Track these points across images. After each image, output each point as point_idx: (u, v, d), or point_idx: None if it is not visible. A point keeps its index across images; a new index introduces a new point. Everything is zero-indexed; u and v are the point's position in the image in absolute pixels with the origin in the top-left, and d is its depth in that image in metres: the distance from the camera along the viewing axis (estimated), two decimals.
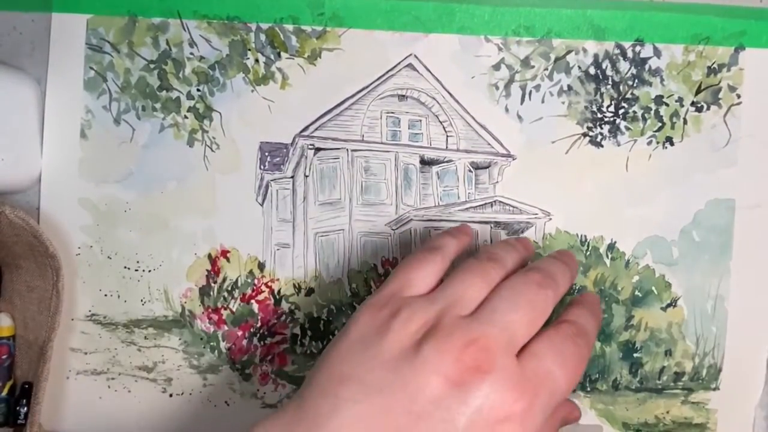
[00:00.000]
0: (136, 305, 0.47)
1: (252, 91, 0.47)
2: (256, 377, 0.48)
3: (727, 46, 0.48)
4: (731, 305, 0.48)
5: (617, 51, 0.48)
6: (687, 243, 0.48)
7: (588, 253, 0.48)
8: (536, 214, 0.48)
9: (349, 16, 0.47)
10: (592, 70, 0.48)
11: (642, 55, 0.48)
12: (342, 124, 0.48)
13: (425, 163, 0.49)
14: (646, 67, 0.48)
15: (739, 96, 0.48)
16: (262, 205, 0.48)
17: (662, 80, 0.48)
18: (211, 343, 0.48)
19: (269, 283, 0.48)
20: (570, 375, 0.33)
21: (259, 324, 0.48)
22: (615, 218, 0.48)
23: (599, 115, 0.48)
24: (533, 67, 0.48)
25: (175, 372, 0.48)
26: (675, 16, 0.48)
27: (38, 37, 0.47)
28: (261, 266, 0.48)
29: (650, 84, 0.48)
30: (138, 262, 0.47)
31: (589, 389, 0.48)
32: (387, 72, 0.48)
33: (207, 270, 0.48)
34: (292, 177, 0.48)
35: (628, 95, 0.48)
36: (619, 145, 0.48)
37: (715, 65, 0.48)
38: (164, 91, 0.47)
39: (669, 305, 0.48)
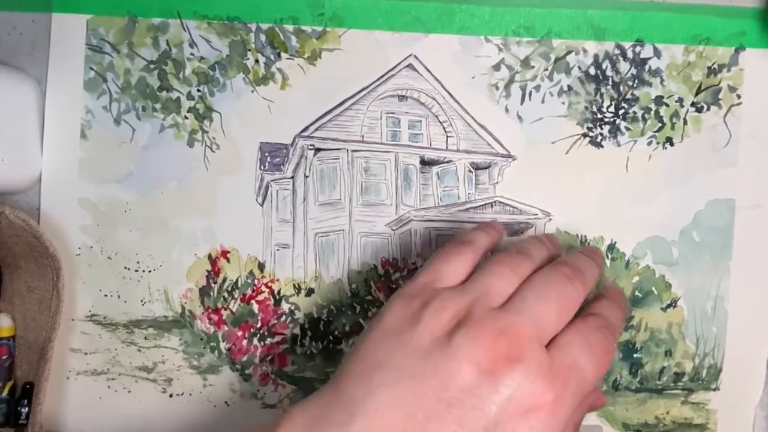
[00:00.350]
0: (136, 305, 0.47)
1: (252, 91, 0.47)
2: (256, 377, 0.48)
3: (727, 46, 0.48)
4: (731, 305, 0.48)
5: (617, 51, 0.48)
6: (687, 243, 0.48)
7: None
8: (536, 214, 0.48)
9: (349, 17, 0.47)
10: (592, 71, 0.48)
11: (642, 56, 0.48)
12: (342, 125, 0.48)
13: (425, 163, 0.49)
14: (646, 67, 0.48)
15: (739, 96, 0.48)
16: (262, 205, 0.48)
17: (662, 81, 0.48)
18: (211, 344, 0.48)
19: (269, 284, 0.48)
20: (597, 366, 0.34)
21: (259, 324, 0.48)
22: (615, 218, 0.48)
23: (599, 116, 0.48)
24: (533, 67, 0.48)
25: (175, 372, 0.48)
26: (675, 17, 0.48)
27: (38, 37, 0.47)
28: (261, 266, 0.48)
29: (650, 84, 0.48)
30: (138, 262, 0.47)
31: None
32: (387, 72, 0.48)
33: (207, 270, 0.48)
34: (292, 177, 0.48)
35: (628, 95, 0.48)
36: (619, 145, 0.48)
37: (715, 65, 0.48)
38: (164, 92, 0.47)
39: (669, 305, 0.48)
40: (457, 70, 0.48)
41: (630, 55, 0.48)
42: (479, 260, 0.38)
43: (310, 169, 0.48)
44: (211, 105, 0.47)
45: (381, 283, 0.48)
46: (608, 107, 0.48)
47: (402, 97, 0.48)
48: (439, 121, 0.48)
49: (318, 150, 0.48)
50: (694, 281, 0.48)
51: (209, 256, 0.48)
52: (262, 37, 0.47)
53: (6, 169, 0.44)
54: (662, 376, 0.48)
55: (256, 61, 0.47)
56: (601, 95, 0.48)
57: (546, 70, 0.48)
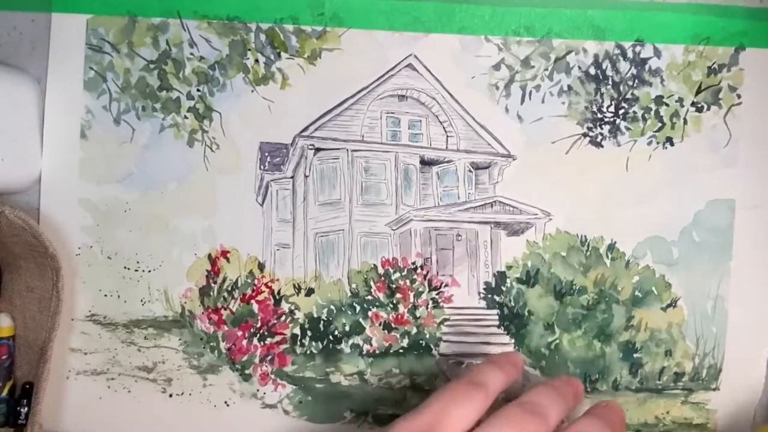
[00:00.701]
0: (136, 305, 0.47)
1: (252, 91, 0.47)
2: (256, 377, 0.48)
3: (728, 46, 0.48)
4: (731, 305, 0.48)
5: (617, 51, 0.48)
6: (687, 243, 0.48)
7: (588, 253, 0.48)
8: (536, 214, 0.48)
9: (349, 16, 0.47)
10: (592, 71, 0.48)
11: (642, 56, 0.48)
12: (342, 125, 0.48)
13: (425, 163, 0.49)
14: (647, 67, 0.48)
15: (739, 96, 0.48)
16: (262, 205, 0.48)
17: (662, 80, 0.48)
18: (211, 344, 0.48)
19: (269, 283, 0.48)
20: None
21: (259, 324, 0.48)
22: (615, 218, 0.48)
23: (599, 116, 0.48)
24: (533, 67, 0.48)
25: (175, 372, 0.48)
26: (675, 16, 0.48)
27: (38, 37, 0.47)
28: (261, 266, 0.48)
29: (650, 84, 0.48)
30: (138, 262, 0.47)
31: (589, 389, 0.48)
32: (387, 72, 0.48)
33: (207, 270, 0.48)
34: (292, 177, 0.48)
35: (629, 95, 0.48)
36: (619, 145, 0.48)
37: (715, 65, 0.48)
38: (164, 92, 0.47)
39: (669, 305, 0.48)
40: (457, 69, 0.48)
41: (630, 55, 0.48)
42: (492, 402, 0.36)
43: (310, 169, 0.48)
44: (211, 105, 0.47)
45: (381, 282, 0.48)
46: (608, 107, 0.48)
47: (402, 97, 0.48)
48: (439, 121, 0.48)
49: (318, 150, 0.48)
50: (694, 281, 0.48)
51: (209, 256, 0.48)
52: (262, 37, 0.47)
53: (6, 169, 0.44)
54: (662, 376, 0.48)
55: (256, 60, 0.47)
56: (601, 95, 0.48)
57: (546, 70, 0.48)
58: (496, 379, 0.37)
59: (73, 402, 0.47)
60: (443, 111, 0.48)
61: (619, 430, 0.36)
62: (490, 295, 0.48)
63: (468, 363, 0.48)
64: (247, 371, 0.48)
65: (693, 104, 0.48)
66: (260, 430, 0.48)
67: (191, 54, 0.47)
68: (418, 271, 0.48)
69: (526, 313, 0.48)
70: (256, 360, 0.48)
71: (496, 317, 0.48)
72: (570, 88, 0.48)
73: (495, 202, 0.48)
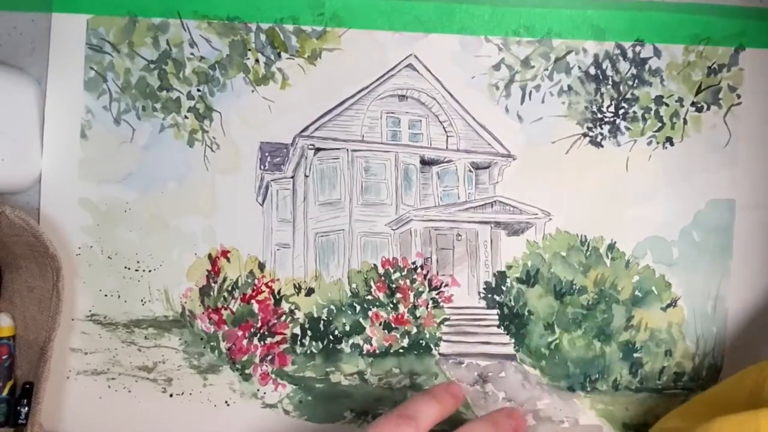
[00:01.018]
0: (136, 305, 0.47)
1: (252, 91, 0.47)
2: (256, 377, 0.48)
3: (727, 46, 0.48)
4: (731, 305, 0.48)
5: (617, 51, 0.48)
6: (687, 243, 0.48)
7: (588, 253, 0.48)
8: (536, 214, 0.48)
9: (349, 17, 0.47)
10: (592, 71, 0.48)
11: (642, 56, 0.48)
12: (342, 125, 0.48)
13: (425, 163, 0.49)
14: (646, 67, 0.48)
15: (739, 96, 0.48)
16: (262, 205, 0.48)
17: (662, 80, 0.48)
18: (211, 343, 0.48)
19: (269, 283, 0.48)
20: None
21: (259, 324, 0.48)
22: (615, 218, 0.48)
23: (599, 116, 0.48)
24: (533, 67, 0.48)
25: (175, 372, 0.48)
26: (675, 16, 0.48)
27: (38, 37, 0.47)
28: (261, 266, 0.48)
29: (650, 84, 0.48)
30: (138, 262, 0.47)
31: (589, 389, 0.48)
32: (387, 72, 0.48)
33: (207, 270, 0.48)
34: (292, 177, 0.48)
35: (628, 95, 0.48)
36: (619, 145, 0.48)
37: (715, 65, 0.48)
38: (164, 92, 0.47)
39: (669, 305, 0.48)
40: (457, 70, 0.48)
41: (630, 54, 0.48)
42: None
43: (310, 169, 0.48)
44: (211, 105, 0.47)
45: (381, 282, 0.48)
46: (608, 107, 0.48)
47: (402, 97, 0.48)
48: (439, 121, 0.48)
49: (318, 150, 0.48)
50: (694, 281, 0.48)
51: (209, 255, 0.48)
52: (263, 37, 0.47)
53: (6, 169, 0.44)
54: (662, 376, 0.48)
55: (256, 60, 0.47)
56: (601, 95, 0.48)
57: (546, 70, 0.48)
58: (429, 411, 0.36)
59: (73, 402, 0.47)
60: (443, 111, 0.48)
61: None
62: (490, 295, 0.48)
63: (468, 363, 0.48)
64: (247, 371, 0.48)
65: (693, 104, 0.48)
66: (260, 430, 0.48)
67: (191, 54, 0.47)
68: (418, 271, 0.48)
69: (526, 313, 0.48)
70: (257, 360, 0.48)
71: (496, 317, 0.48)
72: (570, 88, 0.48)
73: (495, 202, 0.48)
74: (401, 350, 0.48)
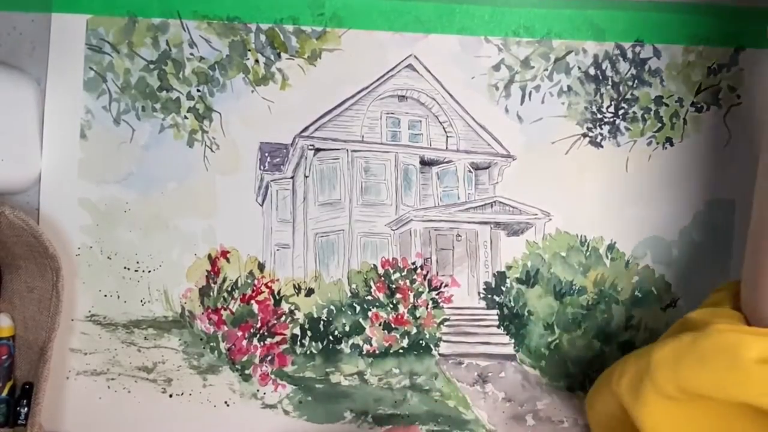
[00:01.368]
0: (136, 306, 0.47)
1: (252, 91, 0.47)
2: (256, 377, 0.48)
3: (727, 46, 0.48)
4: None
5: (617, 51, 0.48)
6: (687, 243, 0.48)
7: (588, 253, 0.48)
8: (536, 214, 0.48)
9: (349, 17, 0.47)
10: (591, 71, 0.48)
11: (642, 56, 0.48)
12: (342, 125, 0.48)
13: (425, 163, 0.49)
14: (646, 67, 0.48)
15: (738, 96, 0.48)
16: (262, 205, 0.48)
17: (662, 81, 0.48)
18: (211, 344, 0.48)
19: (269, 284, 0.48)
20: None
21: (259, 324, 0.48)
22: (615, 218, 0.48)
23: (599, 116, 0.48)
24: (533, 67, 0.48)
25: (175, 372, 0.48)
26: (675, 17, 0.48)
27: (38, 37, 0.47)
28: (261, 266, 0.48)
29: (650, 84, 0.48)
30: (138, 262, 0.47)
31: (588, 389, 0.48)
32: (387, 72, 0.48)
33: (207, 270, 0.48)
34: (292, 177, 0.48)
35: (628, 96, 0.48)
36: (619, 145, 0.48)
37: (714, 66, 0.48)
38: (164, 92, 0.47)
39: (669, 305, 0.48)
40: (457, 70, 0.48)
41: (630, 55, 0.48)
42: None
43: (310, 169, 0.48)
44: (211, 105, 0.47)
45: (381, 283, 0.48)
46: (608, 107, 0.48)
47: (402, 97, 0.48)
48: (439, 121, 0.48)
49: (318, 150, 0.48)
50: (694, 281, 0.48)
51: (209, 256, 0.48)
52: (262, 37, 0.47)
53: (6, 169, 0.44)
54: None
55: (256, 61, 0.47)
56: (601, 95, 0.48)
57: (546, 70, 0.48)
58: None
59: (73, 402, 0.47)
60: (443, 111, 0.48)
61: None
62: (490, 295, 0.48)
63: (468, 363, 0.48)
64: (247, 371, 0.48)
65: (693, 104, 0.48)
66: (260, 430, 0.48)
67: (191, 54, 0.47)
68: (418, 271, 0.48)
69: (526, 313, 0.48)
70: (256, 360, 0.48)
71: (496, 317, 0.48)
72: (570, 88, 0.48)
73: (495, 202, 0.48)
74: (401, 350, 0.48)
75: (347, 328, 0.48)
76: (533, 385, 0.48)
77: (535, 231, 0.48)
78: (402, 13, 0.47)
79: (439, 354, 0.48)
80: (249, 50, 0.47)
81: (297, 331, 0.48)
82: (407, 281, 0.48)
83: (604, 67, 0.48)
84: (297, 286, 0.48)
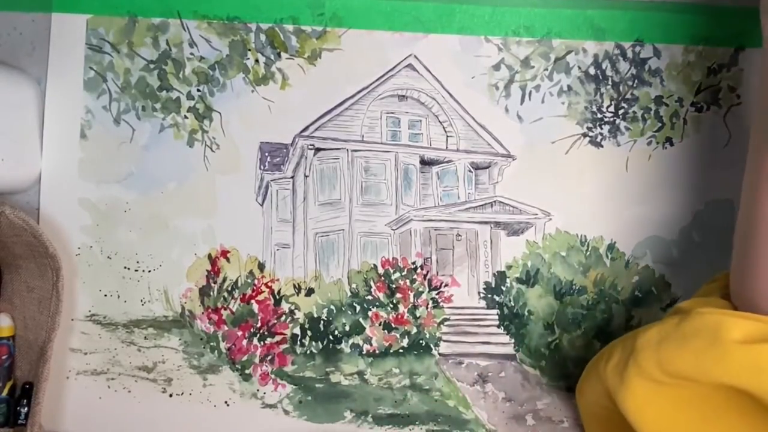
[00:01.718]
0: (136, 305, 0.47)
1: (252, 91, 0.47)
2: (256, 377, 0.48)
3: (727, 46, 0.48)
4: None
5: (617, 51, 0.48)
6: (687, 243, 0.48)
7: (588, 253, 0.48)
8: (536, 214, 0.48)
9: (349, 17, 0.47)
10: (592, 71, 0.48)
11: (642, 56, 0.48)
12: (342, 125, 0.48)
13: (425, 163, 0.49)
14: (646, 67, 0.48)
15: (738, 96, 0.48)
16: (262, 205, 0.48)
17: (662, 80, 0.48)
18: (211, 343, 0.48)
19: (269, 283, 0.48)
20: None
21: (259, 324, 0.48)
22: (615, 218, 0.48)
23: (599, 116, 0.48)
24: (533, 67, 0.48)
25: (175, 372, 0.48)
26: (675, 17, 0.48)
27: (38, 37, 0.47)
28: (261, 266, 0.48)
29: (650, 84, 0.48)
30: (138, 262, 0.47)
31: None
32: (387, 72, 0.48)
33: (207, 270, 0.48)
34: (292, 177, 0.48)
35: (628, 95, 0.48)
36: (619, 145, 0.48)
37: (714, 65, 0.48)
38: (164, 92, 0.47)
39: (669, 305, 0.48)
40: (457, 70, 0.48)
41: (630, 55, 0.48)
42: None
43: (310, 169, 0.48)
44: (211, 105, 0.47)
45: (381, 282, 0.48)
46: (608, 107, 0.48)
47: (402, 97, 0.48)
48: (439, 121, 0.48)
49: (318, 150, 0.48)
50: (694, 281, 0.48)
51: (209, 256, 0.48)
52: (262, 37, 0.47)
53: (6, 169, 0.44)
54: None
55: (256, 61, 0.47)
56: (601, 95, 0.48)
57: (546, 70, 0.48)
58: None
59: (73, 402, 0.47)
60: (443, 111, 0.48)
61: None
62: (490, 295, 0.48)
63: (468, 363, 0.48)
64: (247, 371, 0.48)
65: (693, 104, 0.48)
66: (260, 430, 0.48)
67: (191, 54, 0.47)
68: (418, 271, 0.48)
69: (526, 313, 0.48)
70: (256, 360, 0.48)
71: (496, 317, 0.48)
72: (570, 88, 0.48)
73: (495, 202, 0.48)
74: (401, 350, 0.48)
75: (347, 328, 0.48)
76: (533, 385, 0.48)
77: (535, 231, 0.48)
78: (402, 13, 0.47)
79: (439, 354, 0.48)
80: (249, 50, 0.47)
81: (297, 330, 0.48)
82: (407, 281, 0.48)
83: (604, 67, 0.48)
84: (297, 285, 0.48)
